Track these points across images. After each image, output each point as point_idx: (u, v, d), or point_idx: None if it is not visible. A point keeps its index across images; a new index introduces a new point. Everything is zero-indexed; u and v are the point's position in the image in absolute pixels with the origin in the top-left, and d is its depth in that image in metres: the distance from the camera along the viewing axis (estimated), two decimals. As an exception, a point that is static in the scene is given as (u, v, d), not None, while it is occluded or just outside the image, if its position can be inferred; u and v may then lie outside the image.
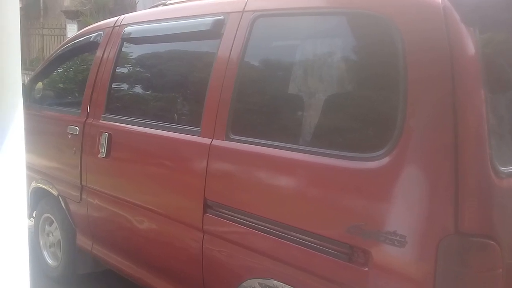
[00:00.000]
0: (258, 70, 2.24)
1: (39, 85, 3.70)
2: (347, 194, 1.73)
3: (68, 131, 3.15)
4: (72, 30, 12.03)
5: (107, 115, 2.90)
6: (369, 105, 1.81)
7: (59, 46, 3.68)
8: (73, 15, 12.83)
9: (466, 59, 1.56)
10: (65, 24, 13.15)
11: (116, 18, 3.11)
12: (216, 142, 2.18)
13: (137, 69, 2.96)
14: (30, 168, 3.63)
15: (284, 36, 2.15)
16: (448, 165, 1.50)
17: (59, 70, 3.72)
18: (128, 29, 2.88)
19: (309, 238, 1.82)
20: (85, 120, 3.03)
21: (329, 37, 2.00)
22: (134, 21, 2.93)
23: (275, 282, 1.96)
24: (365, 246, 1.65)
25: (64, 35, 12.72)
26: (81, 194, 3.09)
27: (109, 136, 2.79)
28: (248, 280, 2.07)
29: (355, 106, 1.86)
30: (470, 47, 1.57)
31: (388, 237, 1.59)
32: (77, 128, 3.08)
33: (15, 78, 1.15)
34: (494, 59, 1.76)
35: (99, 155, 2.85)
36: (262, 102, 2.19)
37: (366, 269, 1.66)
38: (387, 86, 1.73)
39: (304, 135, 1.98)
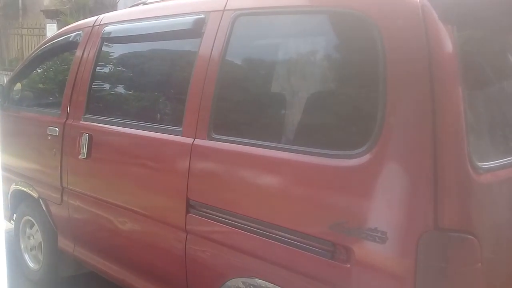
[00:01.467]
0: (240, 69, 2.24)
1: (18, 85, 3.64)
2: (329, 192, 1.74)
3: (48, 132, 3.10)
4: (51, 30, 11.89)
5: (87, 116, 2.87)
6: (350, 103, 1.82)
7: (38, 46, 3.62)
8: (53, 14, 12.67)
9: (444, 57, 1.58)
10: (44, 24, 12.99)
11: (95, 17, 3.08)
12: (198, 141, 2.17)
13: (118, 68, 2.94)
14: (10, 170, 3.58)
15: (265, 34, 2.15)
16: (427, 162, 1.51)
17: (39, 71, 3.67)
18: (108, 28, 2.85)
19: (292, 236, 1.83)
20: (65, 121, 3.00)
21: (310, 35, 2.00)
22: (114, 20, 2.90)
23: (259, 281, 1.96)
24: (347, 243, 1.66)
25: (44, 34, 12.56)
26: (62, 196, 3.06)
27: (90, 136, 2.76)
28: (232, 280, 2.06)
29: (335, 104, 1.87)
30: (448, 45, 1.59)
31: (369, 234, 1.60)
32: (57, 129, 3.04)
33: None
34: (472, 56, 1.79)
35: (79, 156, 2.82)
36: (243, 101, 2.19)
37: (349, 265, 1.67)
38: (366, 84, 1.75)
39: (286, 134, 1.99)
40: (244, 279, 2.02)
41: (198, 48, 2.26)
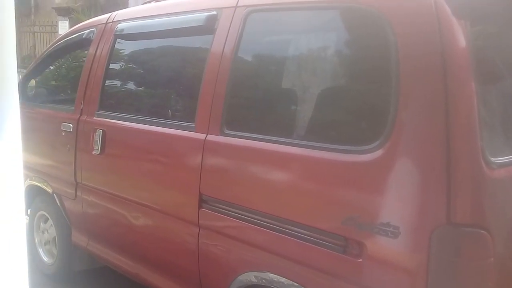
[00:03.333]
0: (252, 65, 2.25)
1: (32, 82, 3.68)
2: (342, 187, 1.75)
3: (62, 128, 3.14)
4: (63, 27, 12.00)
5: (100, 112, 2.90)
6: (362, 98, 1.83)
7: (51, 44, 3.66)
8: (65, 12, 12.77)
9: (458, 52, 1.58)
10: (56, 21, 13.10)
11: (108, 14, 3.11)
12: (210, 137, 2.19)
13: (131, 65, 2.97)
14: (24, 166, 3.61)
15: (277, 31, 2.17)
16: (440, 156, 1.52)
17: (52, 68, 3.71)
18: (121, 25, 2.88)
19: (304, 231, 1.84)
20: (79, 117, 3.03)
21: (322, 31, 2.01)
22: (126, 17, 2.93)
23: (271, 275, 1.98)
24: (360, 238, 1.68)
25: (56, 32, 12.67)
26: (76, 191, 3.10)
27: (103, 132, 2.79)
28: (244, 274, 2.08)
29: (348, 99, 1.88)
30: (461, 40, 1.59)
31: (381, 229, 1.61)
32: (71, 125, 3.07)
33: (11, 77, 1.15)
34: (485, 51, 1.78)
35: (93, 152, 2.85)
36: (255, 97, 2.21)
37: (361, 260, 1.68)
38: (379, 80, 1.75)
39: (298, 129, 2.00)
40: (256, 273, 2.04)
41: (211, 44, 2.28)
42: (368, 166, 1.66)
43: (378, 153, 1.64)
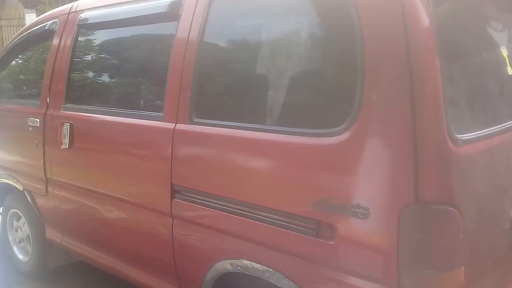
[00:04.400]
0: (218, 51, 2.21)
1: (-3, 77, 3.58)
2: (311, 171, 1.74)
3: (29, 123, 3.06)
4: (31, 20, 11.66)
5: (67, 105, 2.83)
6: (328, 81, 1.82)
7: (14, 36, 3.55)
8: (31, 4, 12.43)
9: (421, 31, 1.57)
10: (23, 14, 12.74)
11: (71, 4, 3.02)
12: (179, 126, 2.16)
13: (95, 56, 2.89)
14: (-7, 163, 3.54)
15: (242, 15, 2.13)
16: (407, 136, 1.52)
17: (16, 61, 3.60)
18: (83, 14, 2.80)
19: (277, 217, 1.83)
20: (45, 111, 2.96)
21: (286, 14, 1.98)
22: (89, 6, 2.85)
23: (246, 262, 1.97)
24: (331, 221, 1.67)
25: (23, 25, 12.32)
26: (46, 187, 3.03)
27: (71, 126, 2.73)
28: (220, 262, 2.07)
29: (314, 82, 1.86)
30: (425, 19, 1.58)
31: (352, 210, 1.61)
32: (38, 119, 3.00)
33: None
34: (449, 30, 1.78)
35: (62, 146, 2.79)
36: (223, 83, 2.17)
37: (333, 242, 1.68)
38: (344, 61, 1.74)
39: (266, 114, 1.98)
40: (231, 261, 2.03)
41: (176, 31, 2.23)
42: (335, 148, 1.65)
43: (345, 135, 1.63)
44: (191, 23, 2.16)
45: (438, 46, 1.57)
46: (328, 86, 1.80)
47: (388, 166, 1.57)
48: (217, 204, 2.03)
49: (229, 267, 2.04)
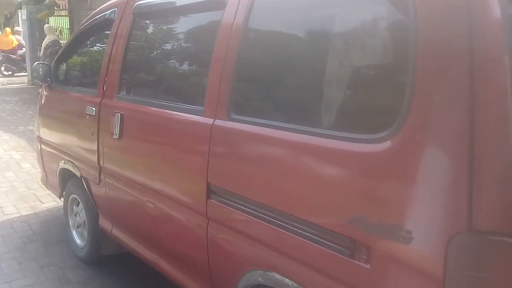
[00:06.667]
0: (261, 43, 2.01)
1: (63, 65, 3.67)
2: (348, 182, 1.51)
3: (86, 112, 3.09)
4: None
5: (120, 95, 2.80)
6: (375, 80, 1.56)
7: (79, 25, 3.61)
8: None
9: (489, 22, 1.28)
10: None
11: (130, -7, 2.98)
12: (218, 122, 2.02)
13: (147, 46, 2.83)
14: (58, 149, 3.64)
15: (289, 6, 1.92)
16: (462, 150, 1.25)
17: (80, 49, 3.66)
18: (138, 3, 2.74)
19: (310, 230, 1.63)
20: (101, 101, 2.96)
21: (332, 7, 1.74)
22: None
23: (278, 276, 1.79)
24: (367, 241, 1.44)
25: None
26: (99, 175, 3.04)
27: (121, 116, 2.70)
28: (251, 272, 1.91)
29: (361, 82, 1.61)
30: (494, 7, 1.29)
31: (392, 232, 1.37)
32: (94, 108, 3.01)
33: None
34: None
35: (113, 136, 2.77)
36: (264, 79, 1.98)
37: (368, 266, 1.45)
38: (393, 56, 1.49)
39: (305, 114, 1.76)
40: (262, 272, 1.86)
41: (220, 21, 2.08)
42: (375, 158, 1.42)
43: (388, 143, 1.38)
44: (236, 12, 2.00)
45: (509, 41, 1.26)
46: (374, 86, 1.55)
47: (437, 184, 1.30)
48: (251, 209, 1.87)
49: (260, 280, 1.87)
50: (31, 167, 5.73)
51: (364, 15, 1.61)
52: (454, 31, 1.30)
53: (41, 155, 4.04)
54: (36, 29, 13.00)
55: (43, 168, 4.11)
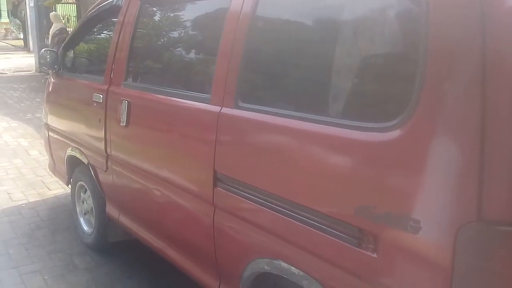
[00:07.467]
0: (269, 30, 2.00)
1: (70, 52, 3.66)
2: (356, 171, 1.50)
3: (93, 99, 3.08)
4: None
5: (127, 82, 2.80)
6: (384, 68, 1.54)
7: (87, 12, 3.60)
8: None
9: (501, 10, 1.26)
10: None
11: (138, -21, 2.95)
12: (225, 110, 2.00)
13: (154, 33, 2.81)
14: (65, 136, 3.65)
15: None
16: (473, 139, 1.23)
17: (87, 36, 3.65)
18: (146, -11, 2.73)
19: (317, 219, 1.62)
20: (108, 88, 2.95)
21: None
22: None
23: (284, 264, 1.79)
24: (375, 230, 1.43)
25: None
26: (106, 163, 3.05)
27: (128, 103, 2.69)
28: (257, 260, 1.91)
29: (370, 70, 1.59)
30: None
31: (400, 221, 1.36)
32: (101, 95, 3.00)
33: None
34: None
35: (120, 124, 2.77)
36: (272, 66, 1.96)
37: (376, 256, 1.44)
38: (403, 44, 1.47)
39: (312, 102, 1.74)
40: (268, 260, 1.86)
41: (228, 8, 2.06)
42: (384, 147, 1.40)
43: (397, 132, 1.37)
44: None
45: None
46: (384, 75, 1.53)
47: (447, 172, 1.29)
48: (258, 197, 1.87)
49: (266, 268, 1.87)
50: (38, 154, 5.76)
51: (374, 2, 1.59)
52: (466, 18, 1.28)
53: (49, 142, 4.06)
54: (43, 17, 13.00)
55: (51, 155, 4.13)
